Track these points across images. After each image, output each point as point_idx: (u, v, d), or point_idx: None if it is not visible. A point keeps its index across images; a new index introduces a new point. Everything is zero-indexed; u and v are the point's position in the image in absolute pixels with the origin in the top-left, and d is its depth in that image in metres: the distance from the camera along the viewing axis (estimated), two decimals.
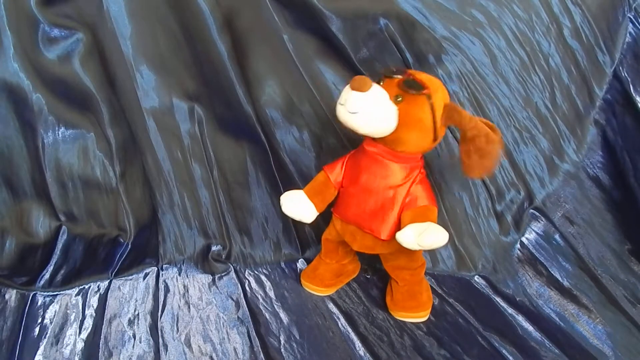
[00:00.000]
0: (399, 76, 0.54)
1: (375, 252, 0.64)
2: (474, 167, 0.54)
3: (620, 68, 0.73)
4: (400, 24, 0.70)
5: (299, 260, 0.79)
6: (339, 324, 0.65)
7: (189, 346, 0.62)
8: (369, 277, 0.76)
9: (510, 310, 0.66)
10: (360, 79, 0.52)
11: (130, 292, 0.72)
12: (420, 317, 0.65)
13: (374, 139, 0.57)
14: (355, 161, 0.61)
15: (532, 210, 0.75)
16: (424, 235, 0.53)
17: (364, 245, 0.63)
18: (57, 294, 0.70)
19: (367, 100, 0.52)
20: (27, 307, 0.68)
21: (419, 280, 0.66)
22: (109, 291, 0.72)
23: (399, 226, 0.58)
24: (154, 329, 0.65)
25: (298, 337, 0.63)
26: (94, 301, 0.70)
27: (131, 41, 0.70)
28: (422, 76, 0.55)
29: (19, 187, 0.70)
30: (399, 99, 0.53)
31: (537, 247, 0.73)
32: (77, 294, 0.71)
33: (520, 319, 0.64)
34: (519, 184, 0.76)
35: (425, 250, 0.76)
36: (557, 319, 0.63)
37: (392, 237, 0.58)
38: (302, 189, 0.66)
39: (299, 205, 0.63)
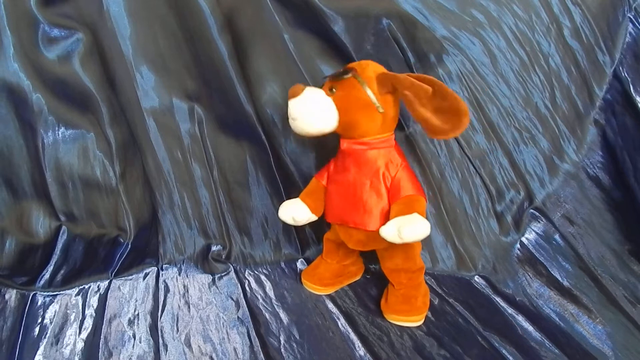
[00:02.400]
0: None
1: (369, 248, 0.64)
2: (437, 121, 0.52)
3: (620, 68, 0.73)
4: (402, 24, 0.70)
5: (299, 260, 0.79)
6: (339, 324, 0.65)
7: (189, 346, 0.62)
8: (368, 277, 0.76)
9: (510, 310, 0.65)
10: (293, 87, 0.57)
11: (130, 292, 0.72)
12: (413, 321, 0.64)
13: (342, 136, 0.61)
14: (336, 162, 0.64)
15: (532, 210, 0.75)
16: (404, 228, 0.53)
17: (358, 241, 0.63)
18: (57, 294, 0.70)
19: (302, 103, 0.56)
20: (27, 307, 0.68)
21: (416, 285, 0.65)
22: (109, 291, 0.72)
23: (387, 217, 0.58)
24: (154, 329, 0.65)
25: (298, 337, 0.63)
26: (94, 301, 0.70)
27: (131, 41, 0.70)
28: (354, 63, 0.59)
29: (19, 187, 0.70)
30: (333, 90, 0.57)
31: (537, 247, 0.73)
32: (77, 294, 0.71)
33: (520, 319, 0.64)
34: (519, 184, 0.76)
35: (423, 247, 0.76)
36: (557, 319, 0.63)
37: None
38: (302, 189, 0.68)
39: (291, 207, 0.65)
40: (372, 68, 0.57)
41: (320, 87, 0.59)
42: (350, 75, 0.56)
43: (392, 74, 0.56)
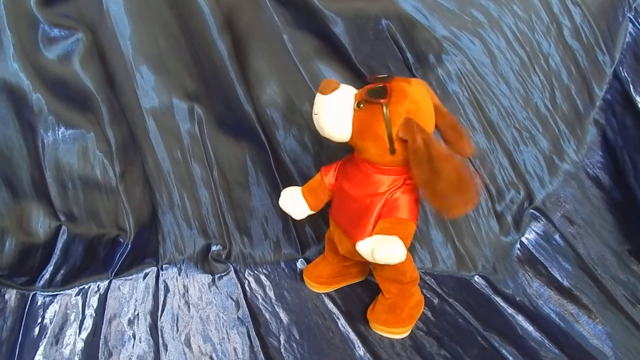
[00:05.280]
0: (381, 83, 0.52)
1: (356, 259, 0.63)
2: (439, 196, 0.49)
3: (620, 68, 0.73)
4: (401, 24, 0.70)
5: (299, 260, 0.79)
6: (339, 324, 0.65)
7: (189, 346, 0.62)
8: (368, 277, 0.76)
9: (510, 310, 0.66)
10: (326, 82, 0.52)
11: (130, 292, 0.72)
12: (395, 334, 0.62)
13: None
14: (345, 166, 0.62)
15: (532, 210, 0.75)
16: (377, 248, 0.51)
17: (348, 249, 0.62)
18: (57, 294, 0.70)
19: (326, 103, 0.52)
20: (27, 307, 0.68)
21: (406, 296, 0.63)
22: (109, 291, 0.72)
23: None
24: (154, 329, 0.65)
25: (298, 337, 0.63)
26: (93, 301, 0.70)
27: (131, 41, 0.70)
28: (399, 85, 0.51)
29: (19, 187, 0.70)
30: (360, 106, 0.52)
31: (537, 247, 0.73)
32: (77, 294, 0.71)
33: (520, 319, 0.64)
34: (519, 184, 0.76)
35: (423, 247, 0.76)
36: (557, 319, 0.63)
37: None
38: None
39: (290, 199, 0.64)
40: (405, 107, 0.50)
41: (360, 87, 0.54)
42: (380, 102, 0.50)
43: (416, 128, 0.49)
